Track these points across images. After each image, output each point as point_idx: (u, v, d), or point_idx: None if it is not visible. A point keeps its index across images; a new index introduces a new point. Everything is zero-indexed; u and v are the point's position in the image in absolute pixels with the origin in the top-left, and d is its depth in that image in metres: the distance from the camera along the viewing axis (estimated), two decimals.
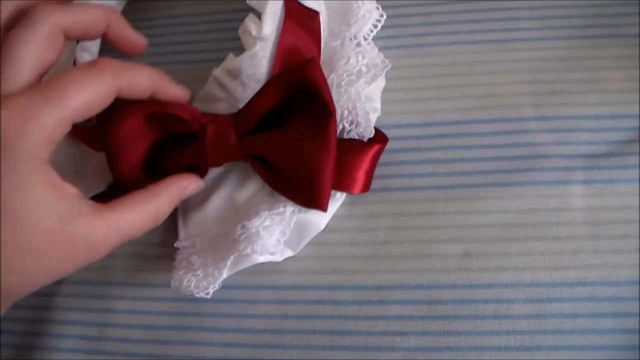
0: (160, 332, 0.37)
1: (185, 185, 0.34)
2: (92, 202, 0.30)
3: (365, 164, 0.35)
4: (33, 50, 0.30)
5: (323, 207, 0.33)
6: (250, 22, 0.35)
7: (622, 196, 0.36)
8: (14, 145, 0.27)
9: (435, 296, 0.35)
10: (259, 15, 0.36)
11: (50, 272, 0.30)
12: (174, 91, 0.34)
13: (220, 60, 0.40)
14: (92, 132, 0.38)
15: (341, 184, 0.35)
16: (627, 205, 0.36)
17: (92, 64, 0.30)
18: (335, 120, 0.32)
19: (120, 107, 0.33)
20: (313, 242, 0.37)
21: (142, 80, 0.32)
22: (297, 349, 0.36)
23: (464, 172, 0.37)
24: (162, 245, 0.39)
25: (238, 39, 0.37)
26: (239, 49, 0.37)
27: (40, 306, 0.39)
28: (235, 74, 0.36)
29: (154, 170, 0.34)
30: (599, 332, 0.34)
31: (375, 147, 0.36)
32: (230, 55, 0.36)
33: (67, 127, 0.29)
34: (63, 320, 0.39)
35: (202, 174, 0.35)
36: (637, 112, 0.37)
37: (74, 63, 0.39)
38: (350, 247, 0.37)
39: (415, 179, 0.38)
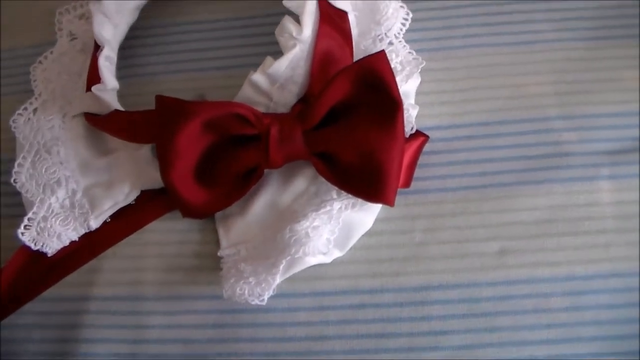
0: (198, 346, 0.38)
1: None
2: None
3: (406, 159, 0.37)
4: None
5: (390, 201, 0.35)
6: (289, 23, 0.37)
7: None
8: None
9: (476, 294, 0.37)
10: (291, 16, 0.37)
11: None
12: None
13: (236, 67, 0.42)
14: (112, 118, 0.38)
15: None
16: None
17: None
18: (403, 113, 0.34)
19: (177, 110, 0.34)
20: (351, 247, 0.38)
21: None
22: (342, 355, 0.37)
23: (494, 171, 0.40)
24: (196, 256, 0.39)
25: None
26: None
27: (68, 325, 0.39)
28: (274, 77, 0.37)
29: (205, 176, 0.35)
30: (637, 322, 0.36)
31: (416, 142, 0.38)
32: (269, 59, 0.38)
33: None
34: (92, 338, 0.39)
35: (258, 177, 0.36)
36: None
37: (92, 70, 0.39)
38: (389, 250, 0.39)
39: (447, 180, 0.40)
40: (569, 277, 0.37)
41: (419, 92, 0.41)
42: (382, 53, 0.35)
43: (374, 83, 0.35)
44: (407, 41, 0.41)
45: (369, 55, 0.35)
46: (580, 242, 0.38)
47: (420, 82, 0.41)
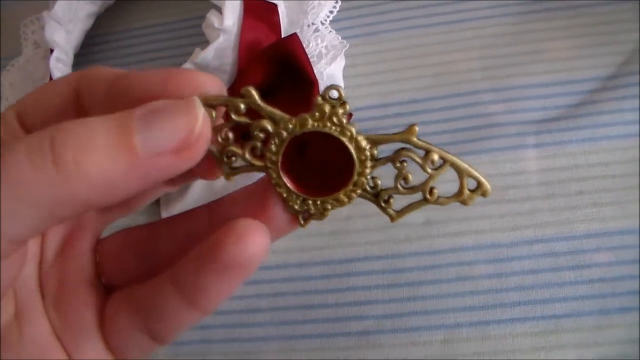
0: None
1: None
2: None
3: None
4: None
5: None
6: (212, 16, 0.40)
7: (574, 156, 0.39)
8: None
9: (400, 264, 0.39)
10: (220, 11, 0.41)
11: None
12: None
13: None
14: None
15: None
16: (579, 164, 0.39)
17: None
18: (318, 89, 0.37)
19: None
20: None
21: None
22: (272, 326, 0.39)
23: None
24: None
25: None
26: None
27: None
28: (202, 67, 0.40)
29: None
30: (559, 285, 0.37)
31: None
32: (197, 50, 0.41)
33: None
34: None
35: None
36: (584, 77, 0.41)
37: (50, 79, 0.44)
38: (316, 224, 0.40)
39: None
40: (494, 244, 0.38)
41: (350, 75, 0.43)
42: (293, 35, 0.38)
43: (289, 64, 0.38)
44: (339, 28, 0.44)
45: (281, 38, 0.38)
46: (505, 210, 0.39)
47: (352, 65, 0.43)
